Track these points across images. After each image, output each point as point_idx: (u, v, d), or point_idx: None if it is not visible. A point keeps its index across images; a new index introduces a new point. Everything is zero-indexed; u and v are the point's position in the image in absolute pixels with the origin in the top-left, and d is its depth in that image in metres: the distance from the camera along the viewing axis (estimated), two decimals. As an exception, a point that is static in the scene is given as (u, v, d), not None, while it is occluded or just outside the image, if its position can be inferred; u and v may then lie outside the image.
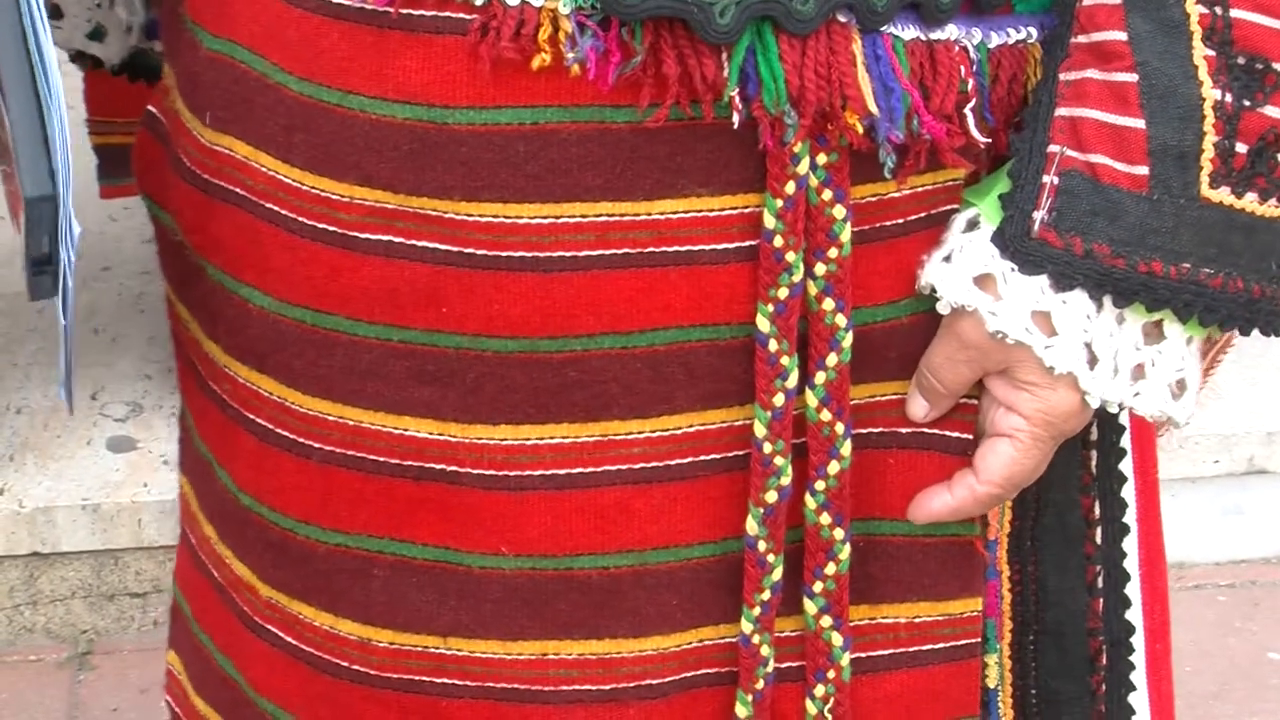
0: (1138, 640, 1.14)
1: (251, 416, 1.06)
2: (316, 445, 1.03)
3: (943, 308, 0.98)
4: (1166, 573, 1.16)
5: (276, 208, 1.00)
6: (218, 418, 1.09)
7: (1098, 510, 1.11)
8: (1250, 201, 0.94)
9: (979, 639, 1.07)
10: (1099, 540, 1.12)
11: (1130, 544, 1.13)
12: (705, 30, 0.91)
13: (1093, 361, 0.96)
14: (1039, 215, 0.94)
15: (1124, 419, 1.11)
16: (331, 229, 0.99)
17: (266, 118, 0.99)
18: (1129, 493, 1.12)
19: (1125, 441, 1.11)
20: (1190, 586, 2.57)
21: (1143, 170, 0.93)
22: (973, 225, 0.98)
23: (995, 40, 0.98)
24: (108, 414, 2.51)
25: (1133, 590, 1.13)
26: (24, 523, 2.35)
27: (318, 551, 1.05)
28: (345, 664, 1.05)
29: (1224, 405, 2.54)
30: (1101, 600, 1.12)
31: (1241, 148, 0.93)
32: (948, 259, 0.98)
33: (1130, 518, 1.13)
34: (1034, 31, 0.99)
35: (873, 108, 0.94)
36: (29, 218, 1.02)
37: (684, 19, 0.91)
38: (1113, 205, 0.93)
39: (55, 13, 1.34)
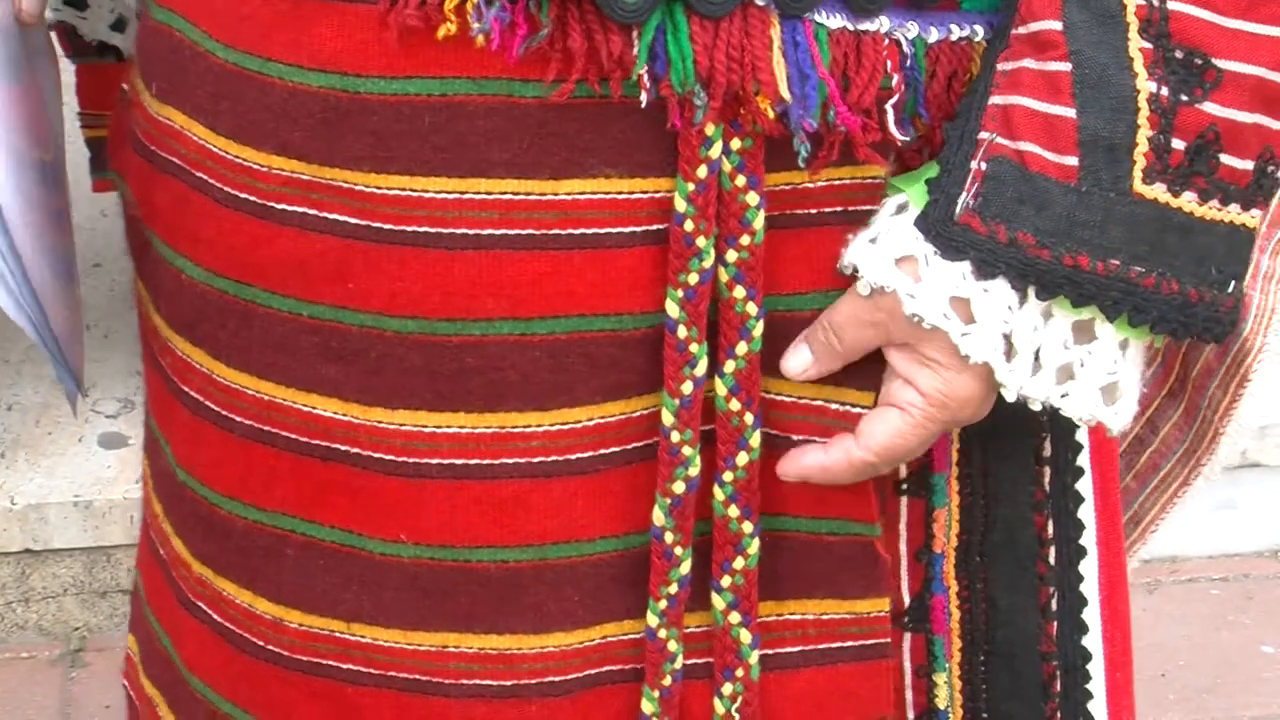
0: (1096, 668, 1.11)
1: (185, 389, 1.06)
2: (238, 419, 1.02)
3: (862, 288, 0.95)
4: (1129, 599, 1.13)
5: (205, 176, 1.00)
6: (163, 392, 1.09)
7: (1051, 529, 1.08)
8: (1189, 201, 0.91)
9: (888, 640, 1.05)
10: (1053, 561, 1.08)
11: (1088, 567, 1.10)
12: (611, 8, 0.89)
13: (1010, 354, 0.93)
14: (963, 199, 0.92)
15: (1082, 437, 1.09)
16: (252, 199, 0.98)
17: (197, 86, 1.00)
18: (1087, 514, 1.09)
19: (1083, 460, 1.08)
20: (1183, 580, 2.56)
21: (1072, 160, 0.90)
22: (901, 209, 0.95)
23: (935, 35, 0.95)
24: (99, 410, 2.51)
25: (1090, 615, 1.10)
26: (16, 519, 2.35)
27: (237, 527, 1.04)
28: (261, 643, 1.05)
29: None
30: (1056, 624, 1.09)
31: (1179, 144, 0.90)
32: (873, 240, 0.95)
33: (1088, 539, 1.09)
34: (980, 30, 0.96)
35: (785, 93, 0.92)
36: None
37: None
38: (1040, 194, 0.90)
39: (80, 3, 1.36)
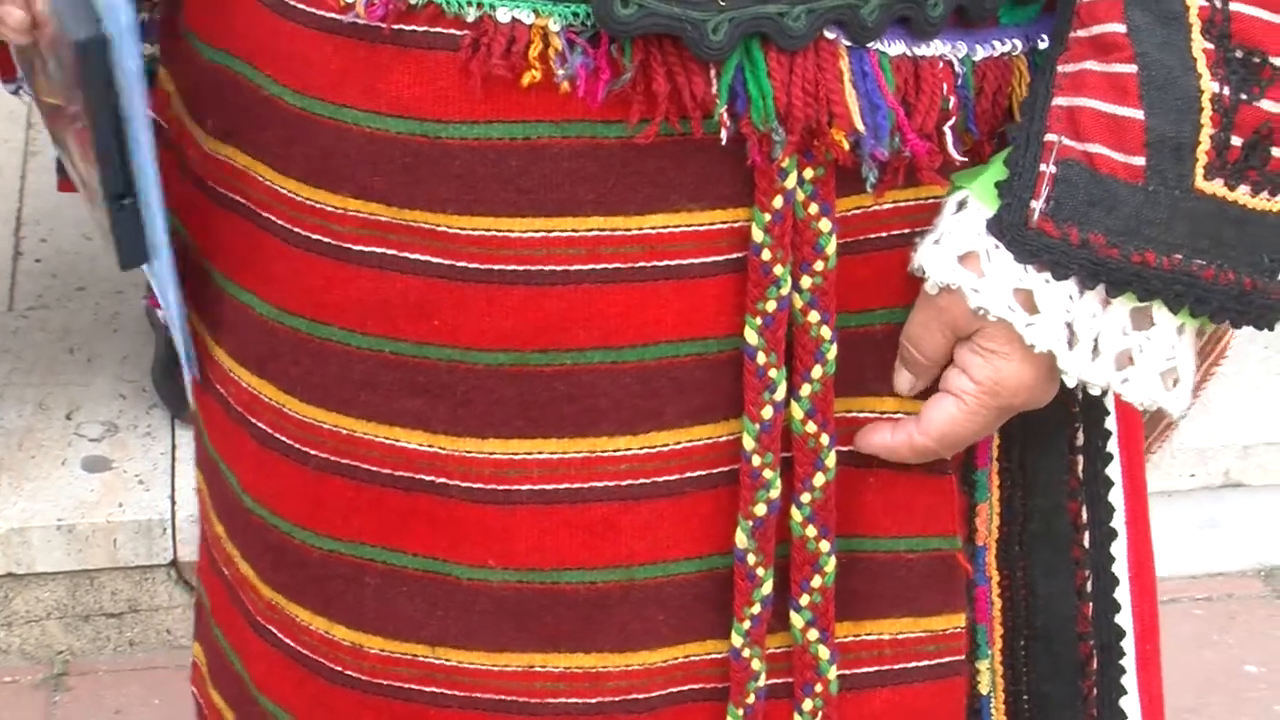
0: (1128, 644, 1.14)
1: (253, 420, 1.07)
2: (312, 452, 1.04)
3: (930, 288, 0.99)
4: (1155, 574, 1.16)
5: (274, 218, 1.02)
6: (223, 420, 1.11)
7: (1085, 515, 1.11)
8: (1242, 194, 0.94)
9: (963, 656, 1.07)
10: (1087, 545, 1.12)
11: (1118, 548, 1.13)
12: (698, 47, 0.92)
13: (1072, 341, 0.96)
14: (1037, 205, 0.95)
15: (1110, 424, 1.11)
16: (326, 240, 1.00)
17: (264, 129, 1.01)
18: (1116, 497, 1.12)
19: (1112, 446, 1.12)
20: (1166, 600, 2.55)
21: (1139, 161, 0.93)
22: (961, 206, 0.99)
23: (981, 53, 0.98)
24: (83, 434, 2.50)
25: (1122, 594, 1.14)
26: (-2, 543, 2.34)
27: (312, 556, 1.05)
28: (339, 669, 1.06)
29: (1199, 419, 2.55)
30: (1091, 604, 1.12)
31: (1236, 140, 0.93)
32: (937, 241, 0.98)
33: (1118, 522, 1.13)
34: (1019, 44, 0.99)
35: (859, 125, 0.95)
36: (81, 71, 0.96)
37: (676, 36, 0.92)
38: (1109, 195, 0.93)
39: None
